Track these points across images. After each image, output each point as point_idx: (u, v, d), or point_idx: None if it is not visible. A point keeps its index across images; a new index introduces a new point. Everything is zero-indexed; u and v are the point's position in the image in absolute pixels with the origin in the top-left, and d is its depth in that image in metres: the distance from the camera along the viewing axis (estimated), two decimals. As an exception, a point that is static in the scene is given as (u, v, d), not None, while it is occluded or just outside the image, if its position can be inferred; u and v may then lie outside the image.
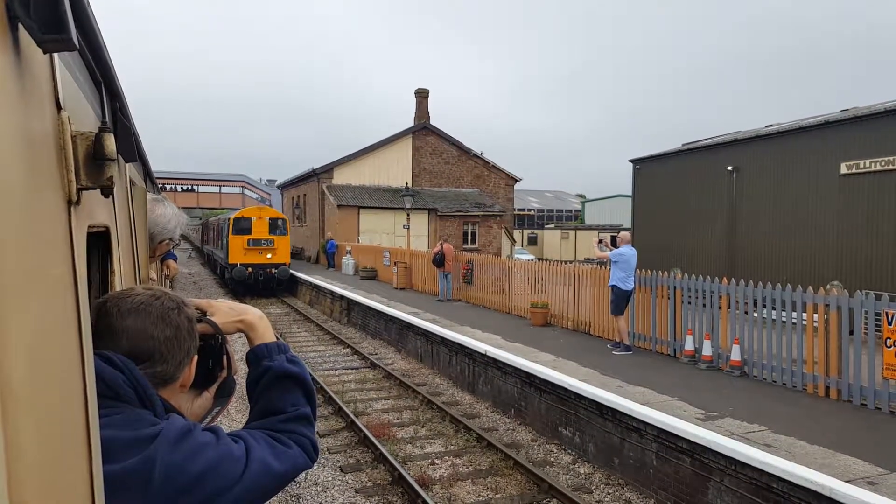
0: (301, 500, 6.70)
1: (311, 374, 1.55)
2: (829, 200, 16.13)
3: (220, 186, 62.02)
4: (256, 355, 1.43)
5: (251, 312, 1.50)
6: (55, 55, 0.91)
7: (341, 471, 7.48)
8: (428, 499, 6.43)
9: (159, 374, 1.24)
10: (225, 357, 1.45)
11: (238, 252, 23.51)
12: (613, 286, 10.40)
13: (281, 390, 1.39)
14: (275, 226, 24.64)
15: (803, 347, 8.28)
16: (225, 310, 1.49)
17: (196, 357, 1.35)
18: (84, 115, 1.27)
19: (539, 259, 26.38)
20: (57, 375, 0.80)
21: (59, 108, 0.91)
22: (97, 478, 0.92)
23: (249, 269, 23.32)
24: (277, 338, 1.50)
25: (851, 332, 7.78)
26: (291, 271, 25.06)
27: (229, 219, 24.50)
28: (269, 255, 23.74)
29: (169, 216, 3.00)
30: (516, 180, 35.73)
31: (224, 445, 1.18)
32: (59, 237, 0.87)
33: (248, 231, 23.90)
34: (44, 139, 0.83)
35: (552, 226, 56.68)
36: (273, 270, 23.76)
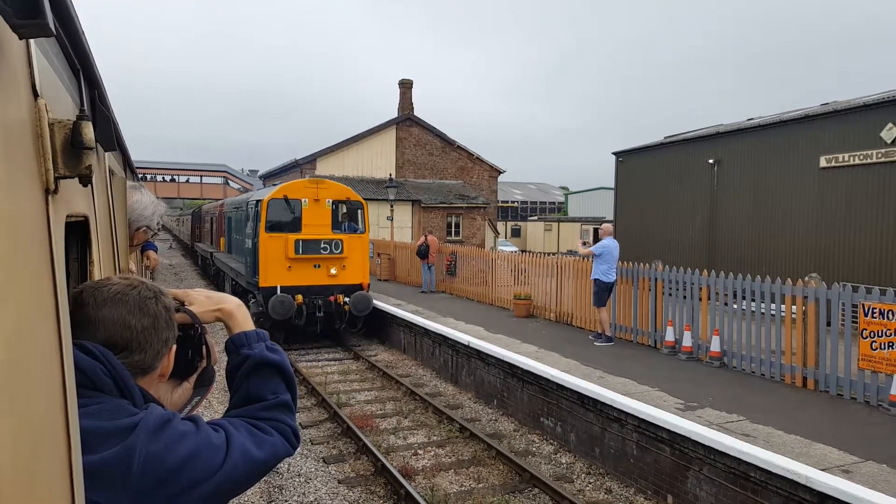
0: (284, 490, 6.70)
1: (292, 365, 1.55)
2: (809, 193, 16.34)
3: (201, 177, 61.37)
4: (235, 344, 1.43)
5: (229, 301, 1.50)
6: (31, 41, 0.90)
7: (324, 462, 7.48)
8: (411, 489, 6.45)
9: (137, 364, 1.24)
10: (204, 347, 1.44)
11: (276, 266, 12.91)
12: (596, 279, 10.47)
13: (260, 378, 1.39)
14: (344, 214, 14.16)
15: (782, 338, 8.41)
16: (202, 299, 1.48)
17: (175, 347, 1.35)
18: (62, 103, 1.25)
19: (522, 251, 26.48)
20: (35, 367, 0.79)
21: (35, 95, 0.89)
22: (76, 470, 0.91)
23: (300, 299, 12.83)
24: (256, 326, 1.50)
25: (829, 324, 7.91)
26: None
27: (259, 202, 13.32)
28: (332, 271, 13.27)
29: (146, 203, 2.97)
30: (500, 172, 35.77)
31: (204, 434, 1.17)
32: (37, 227, 0.86)
33: (295, 225, 13.21)
34: (20, 127, 0.81)
35: (535, 218, 56.88)
36: (342, 300, 13.23)
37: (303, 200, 13.23)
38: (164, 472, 1.07)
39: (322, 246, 13.10)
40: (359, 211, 14.12)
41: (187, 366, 1.42)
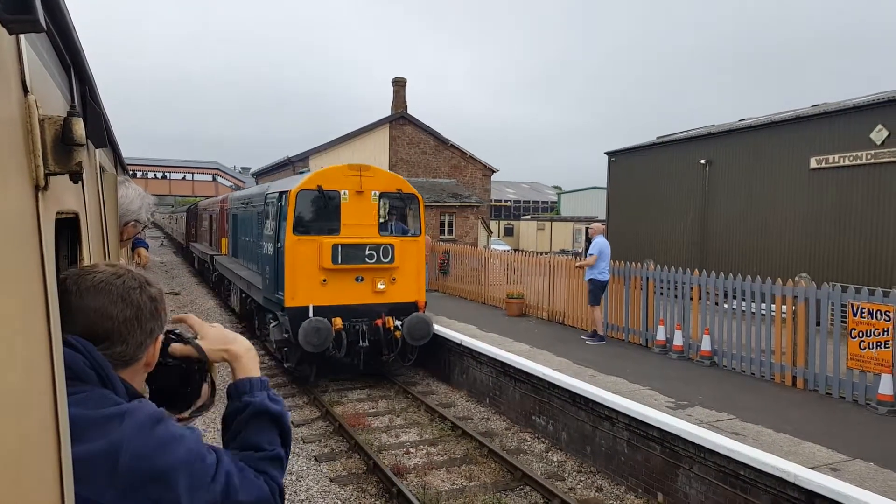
0: (275, 489, 6.69)
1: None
2: (799, 194, 16.45)
3: (192, 174, 61.06)
4: (238, 389, 1.40)
5: (239, 343, 1.47)
6: (21, 37, 0.89)
7: (316, 460, 7.47)
8: (402, 487, 6.45)
9: (119, 355, 1.21)
10: (206, 385, 1.41)
11: (308, 280, 9.85)
12: (592, 278, 10.50)
13: (258, 427, 1.36)
14: (393, 211, 11.16)
15: (771, 338, 8.47)
16: (213, 334, 1.46)
17: (161, 337, 1.33)
18: (52, 99, 1.24)
19: (515, 250, 26.55)
20: (25, 364, 0.79)
21: (25, 90, 0.89)
22: (66, 470, 0.91)
23: (339, 324, 9.71)
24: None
25: (818, 323, 7.97)
26: None
27: (284, 195, 10.09)
28: (379, 286, 10.18)
29: (131, 197, 2.95)
30: (493, 171, 35.78)
31: (197, 445, 1.15)
32: (26, 224, 0.85)
33: (332, 225, 10.06)
34: (9, 123, 0.81)
35: (528, 217, 56.95)
36: (392, 324, 10.13)
37: (342, 193, 9.90)
38: (152, 472, 1.05)
39: (367, 253, 9.85)
40: (413, 207, 10.79)
41: (183, 399, 1.38)
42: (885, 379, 7.00)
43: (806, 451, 5.74)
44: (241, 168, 71.50)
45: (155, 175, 58.35)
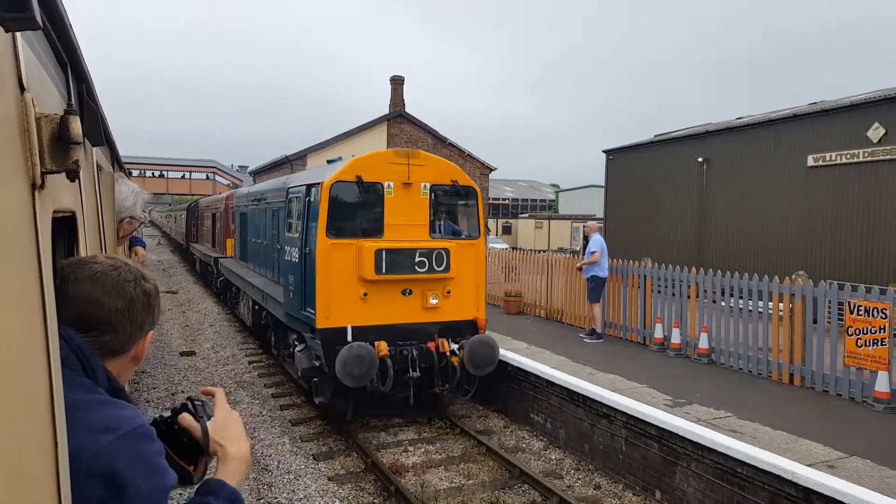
0: (273, 488, 6.68)
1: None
2: (797, 192, 16.47)
3: (189, 172, 60.96)
4: (209, 486, 1.35)
5: (237, 447, 1.42)
6: (18, 34, 0.89)
7: (314, 459, 7.47)
8: (400, 486, 6.46)
9: (107, 344, 1.23)
10: (194, 468, 1.37)
11: (345, 293, 7.92)
12: (593, 276, 10.52)
13: None
14: (444, 207, 8.93)
15: (769, 336, 8.48)
16: (221, 424, 1.42)
17: (152, 332, 1.34)
18: (49, 97, 1.24)
19: (513, 248, 26.53)
20: (21, 362, 0.78)
21: (22, 89, 0.88)
22: (62, 461, 0.91)
23: (384, 349, 7.79)
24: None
25: (815, 321, 7.98)
26: None
27: (314, 188, 8.20)
28: (431, 300, 8.28)
29: (125, 193, 2.94)
30: (491, 169, 35.79)
31: (165, 490, 1.14)
32: (23, 222, 0.85)
33: (374, 225, 8.19)
34: (6, 121, 0.80)
35: (526, 215, 56.95)
36: (448, 347, 8.27)
37: (385, 185, 8.03)
38: (109, 474, 1.04)
39: (418, 259, 7.95)
40: (471, 202, 8.77)
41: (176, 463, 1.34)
42: (882, 376, 7.02)
43: (803, 449, 5.76)
44: (239, 167, 71.41)
45: (152, 174, 58.25)
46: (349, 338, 7.68)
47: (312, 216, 8.03)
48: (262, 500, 6.40)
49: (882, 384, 7.00)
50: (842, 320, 7.64)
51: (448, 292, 8.34)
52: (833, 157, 15.57)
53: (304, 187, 8.44)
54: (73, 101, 1.59)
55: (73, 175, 0.99)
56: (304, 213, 8.27)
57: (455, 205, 8.94)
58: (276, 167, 35.22)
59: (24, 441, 0.77)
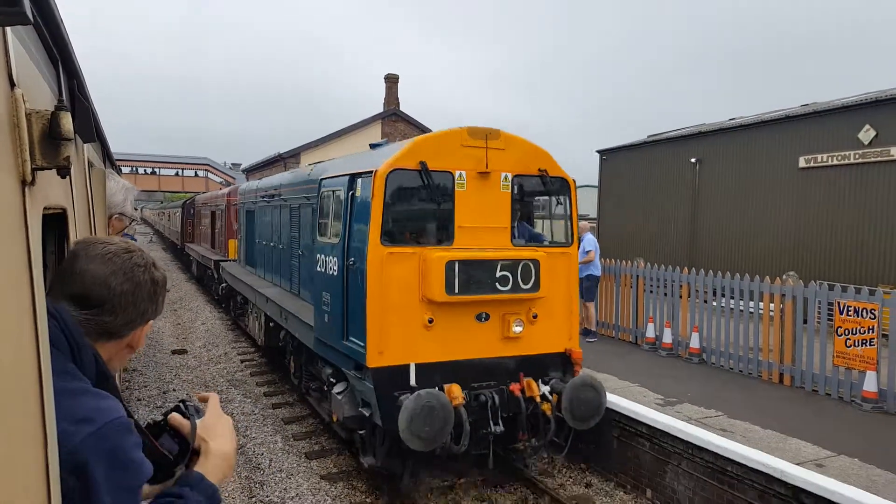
0: (265, 486, 6.67)
1: None
2: (788, 193, 16.57)
3: (182, 169, 60.73)
4: (187, 479, 1.33)
5: (221, 444, 1.42)
6: (8, 29, 0.89)
7: (306, 457, 7.46)
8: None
9: (104, 325, 1.24)
10: (178, 468, 1.35)
11: (404, 320, 5.92)
12: (589, 274, 10.55)
13: None
14: (528, 207, 7.39)
15: (759, 336, 8.54)
16: (210, 423, 1.42)
17: (151, 323, 1.34)
18: (40, 93, 1.23)
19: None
20: (12, 362, 0.78)
21: (12, 84, 0.88)
22: (52, 461, 0.91)
23: (457, 394, 5.80)
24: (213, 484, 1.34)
25: (805, 321, 8.04)
26: None
27: (362, 179, 6.17)
28: (515, 327, 6.26)
29: (114, 189, 2.93)
30: (484, 168, 35.83)
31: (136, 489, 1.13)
32: (13, 219, 0.85)
33: (442, 228, 6.23)
34: (-4, 117, 0.80)
35: (519, 214, 56.97)
36: (537, 390, 6.21)
37: (456, 175, 6.14)
38: (82, 465, 1.03)
39: (500, 275, 6.07)
40: (563, 199, 6.82)
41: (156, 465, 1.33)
42: (870, 376, 7.08)
43: (792, 448, 5.80)
44: (232, 164, 71.14)
45: (145, 170, 58.00)
46: (412, 380, 5.81)
47: (359, 216, 6.11)
48: (254, 499, 6.39)
49: (870, 384, 7.07)
50: (831, 320, 7.70)
51: (534, 316, 6.42)
52: (824, 159, 15.68)
53: (347, 178, 6.44)
54: (64, 97, 1.59)
55: (63, 172, 0.99)
56: (347, 212, 6.35)
57: (540, 202, 7.29)
58: (269, 164, 35.12)
59: (14, 439, 0.77)
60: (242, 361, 11.63)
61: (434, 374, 5.93)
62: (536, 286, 6.19)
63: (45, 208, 1.12)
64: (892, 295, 7.15)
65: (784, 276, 8.33)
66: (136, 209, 3.13)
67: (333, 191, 6.83)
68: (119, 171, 11.07)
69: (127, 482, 1.10)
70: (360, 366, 6.01)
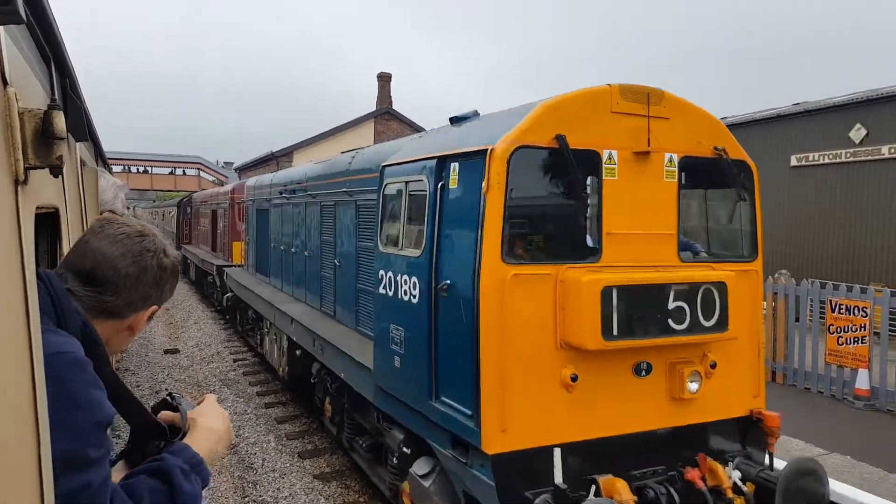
0: (258, 486, 6.66)
1: None
2: (780, 191, 16.67)
3: (174, 168, 60.52)
4: (172, 448, 1.31)
5: (209, 419, 1.41)
6: (1, 28, 0.88)
7: (299, 457, 7.45)
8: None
9: (105, 304, 1.25)
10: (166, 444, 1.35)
11: (536, 381, 3.74)
12: None
13: (153, 486, 1.23)
14: (696, 202, 4.91)
15: (752, 334, 8.58)
16: (208, 410, 1.44)
17: (154, 308, 1.34)
18: (32, 92, 1.23)
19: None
20: (4, 362, 0.78)
21: (4, 83, 0.87)
22: (45, 458, 0.90)
23: (625, 494, 3.59)
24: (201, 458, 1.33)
25: (797, 319, 8.09)
26: None
27: (474, 163, 3.89)
28: (690, 385, 4.09)
29: (104, 187, 2.93)
30: (478, 167, 35.86)
31: (101, 422, 1.08)
32: (5, 218, 0.84)
33: (586, 238, 4.15)
34: (-11, 116, 0.80)
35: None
36: (722, 477, 4.08)
37: (605, 155, 3.99)
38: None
39: (673, 306, 3.93)
40: (745, 191, 4.91)
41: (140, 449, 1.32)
42: (862, 374, 7.13)
43: (785, 445, 5.83)
44: (224, 163, 70.93)
45: (137, 169, 57.77)
46: (558, 475, 3.71)
47: (459, 218, 4.08)
48: (247, 499, 6.38)
49: (862, 382, 7.12)
50: (823, 318, 7.75)
51: (712, 366, 4.31)
52: (816, 158, 15.78)
53: (433, 163, 4.38)
54: (57, 96, 1.58)
55: (56, 171, 0.98)
56: (434, 213, 4.30)
57: (711, 194, 5.17)
58: (261, 163, 35.04)
59: (5, 440, 0.76)
60: (235, 361, 11.60)
61: (581, 457, 3.92)
62: (724, 323, 4.09)
63: (37, 207, 1.12)
64: (884, 293, 7.20)
65: (776, 275, 8.38)
66: (127, 208, 3.12)
67: (407, 182, 4.82)
68: (110, 170, 11.01)
69: (82, 421, 1.02)
70: (460, 441, 3.98)
